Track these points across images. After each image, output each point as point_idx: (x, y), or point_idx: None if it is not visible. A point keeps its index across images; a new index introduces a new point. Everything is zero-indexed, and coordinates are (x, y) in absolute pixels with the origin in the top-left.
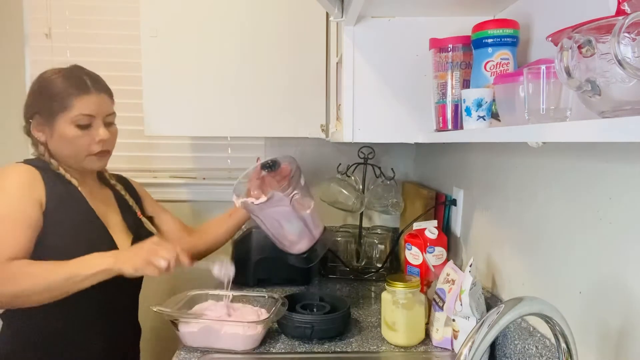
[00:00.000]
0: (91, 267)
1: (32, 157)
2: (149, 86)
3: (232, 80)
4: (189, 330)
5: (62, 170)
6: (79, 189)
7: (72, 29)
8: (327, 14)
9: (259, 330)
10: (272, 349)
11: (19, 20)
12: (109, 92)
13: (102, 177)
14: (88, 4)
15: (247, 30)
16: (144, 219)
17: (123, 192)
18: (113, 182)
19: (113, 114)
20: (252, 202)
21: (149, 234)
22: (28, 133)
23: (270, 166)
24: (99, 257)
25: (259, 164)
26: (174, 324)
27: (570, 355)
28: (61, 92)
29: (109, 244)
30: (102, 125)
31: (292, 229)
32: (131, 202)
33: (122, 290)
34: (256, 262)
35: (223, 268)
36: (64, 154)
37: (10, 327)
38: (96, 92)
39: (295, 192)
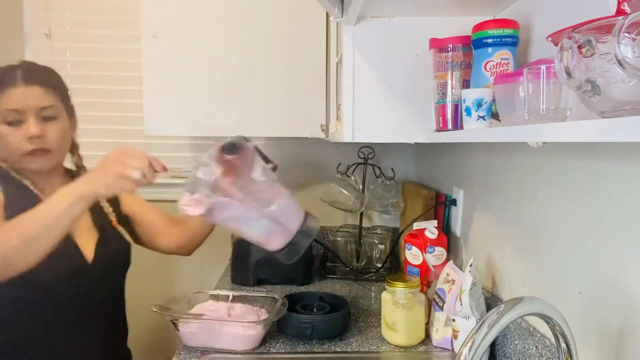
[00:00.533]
0: (64, 200)
1: None
2: (149, 86)
3: (232, 80)
4: (189, 330)
5: (12, 172)
6: (34, 190)
7: (72, 29)
8: (327, 14)
9: (259, 330)
10: (272, 349)
11: (19, 20)
12: (46, 84)
13: (75, 176)
14: (88, 4)
15: (247, 30)
16: (119, 228)
17: None
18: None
19: (51, 107)
20: (187, 213)
21: (119, 237)
22: None
23: (231, 149)
24: (69, 187)
25: (218, 146)
26: (174, 324)
27: (570, 355)
28: None
29: (69, 246)
30: (35, 121)
31: (256, 231)
32: (106, 205)
33: (101, 290)
34: (256, 262)
35: (207, 171)
36: (0, 155)
37: None
38: (25, 84)
39: (250, 189)
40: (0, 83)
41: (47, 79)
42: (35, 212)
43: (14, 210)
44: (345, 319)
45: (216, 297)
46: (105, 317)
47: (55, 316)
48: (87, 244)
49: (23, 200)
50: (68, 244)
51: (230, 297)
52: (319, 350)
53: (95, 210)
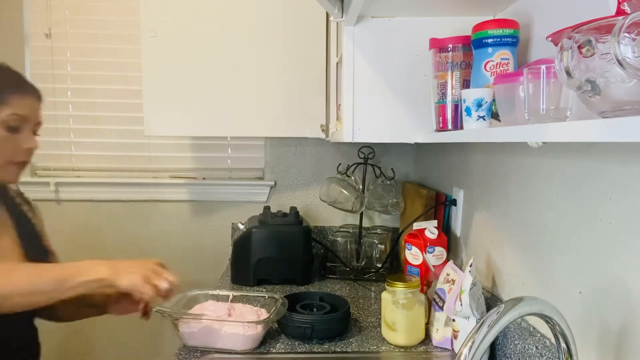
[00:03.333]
0: (85, 274)
1: None
2: (149, 86)
3: (232, 80)
4: (189, 331)
5: None
6: None
7: (72, 29)
8: (327, 14)
9: (258, 330)
10: (272, 349)
11: (19, 20)
12: (42, 100)
13: (2, 194)
14: (88, 4)
15: (247, 30)
16: (52, 251)
17: (30, 214)
18: (18, 201)
19: (41, 123)
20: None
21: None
22: None
23: None
24: (93, 264)
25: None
26: (175, 324)
27: (570, 355)
28: (1, 83)
29: None
30: (32, 135)
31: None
32: (40, 227)
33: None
34: (256, 262)
35: None
36: None
37: None
38: (35, 96)
39: None
40: (8, 86)
41: (42, 95)
42: (52, 269)
43: None
44: (345, 319)
45: (216, 297)
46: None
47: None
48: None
49: None
50: None
51: (230, 297)
52: (319, 350)
53: (28, 235)
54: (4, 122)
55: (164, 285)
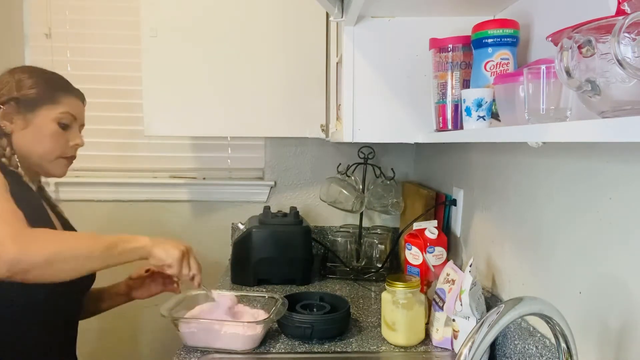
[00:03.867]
0: (129, 242)
1: None
2: (149, 86)
3: (232, 80)
4: (189, 331)
5: (20, 171)
6: (29, 185)
7: (72, 29)
8: (327, 14)
9: (258, 331)
10: (272, 349)
11: (19, 20)
12: (85, 103)
13: (40, 190)
14: (88, 4)
15: (247, 30)
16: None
17: (58, 208)
18: (47, 196)
19: (84, 125)
20: None
21: None
22: None
23: None
24: (133, 236)
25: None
26: (175, 323)
27: (570, 355)
28: (55, 84)
29: None
30: (79, 132)
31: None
32: (62, 212)
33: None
34: (256, 262)
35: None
36: (32, 150)
37: None
38: (80, 98)
39: None
40: (61, 87)
41: (85, 100)
42: (101, 237)
43: (21, 205)
44: (345, 319)
45: (212, 297)
46: (74, 327)
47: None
48: None
49: (30, 198)
50: None
51: (231, 296)
52: (319, 350)
53: (63, 220)
54: (57, 119)
55: (185, 270)
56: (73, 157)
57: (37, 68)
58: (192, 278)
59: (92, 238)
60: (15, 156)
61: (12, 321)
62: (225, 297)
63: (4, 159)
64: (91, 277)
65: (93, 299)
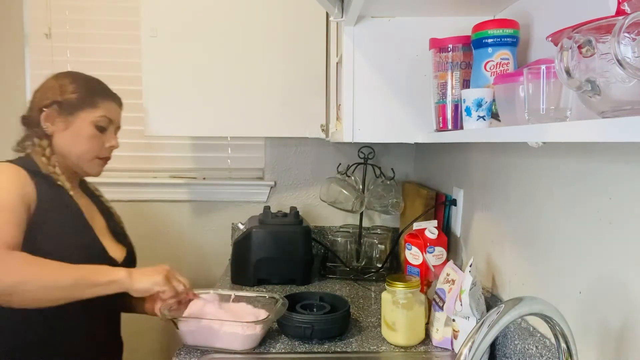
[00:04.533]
0: (102, 275)
1: (17, 153)
2: (149, 86)
3: (232, 80)
4: (188, 329)
5: (57, 170)
6: (70, 193)
7: (72, 29)
8: (327, 14)
9: (258, 330)
10: (272, 349)
11: (19, 20)
12: (122, 107)
13: (82, 185)
14: (88, 4)
15: (247, 30)
16: (130, 240)
17: (104, 200)
18: (97, 193)
19: (120, 128)
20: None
21: (130, 244)
22: (30, 123)
23: None
24: (110, 268)
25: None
26: (174, 322)
27: (570, 355)
28: (95, 90)
29: (101, 253)
30: (115, 134)
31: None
32: (113, 210)
33: (105, 303)
34: (256, 262)
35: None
36: (71, 151)
37: None
38: (117, 102)
39: None
40: (100, 92)
41: (122, 104)
42: (74, 268)
43: (50, 208)
44: (345, 319)
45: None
46: (116, 313)
47: (70, 320)
48: (115, 251)
49: (60, 198)
50: (99, 247)
51: (232, 296)
52: (319, 350)
53: (110, 217)
54: (95, 122)
55: (179, 287)
56: (108, 158)
57: (80, 74)
58: (187, 292)
59: (63, 269)
60: (54, 156)
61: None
62: (210, 295)
63: (43, 158)
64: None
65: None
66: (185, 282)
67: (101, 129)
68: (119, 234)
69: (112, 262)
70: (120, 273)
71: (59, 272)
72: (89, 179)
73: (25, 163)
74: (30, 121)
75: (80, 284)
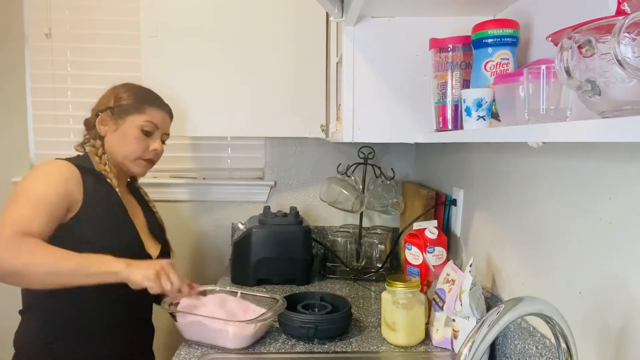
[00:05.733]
0: (102, 265)
1: (77, 152)
2: (149, 86)
3: (232, 80)
4: (184, 324)
5: (107, 168)
6: (117, 190)
7: (72, 29)
8: (327, 14)
9: (256, 329)
10: (271, 348)
11: (19, 20)
12: (172, 117)
13: (129, 185)
14: (88, 4)
15: (247, 30)
16: (170, 244)
17: (148, 200)
18: (142, 190)
19: (168, 134)
20: None
21: (169, 247)
22: (89, 125)
23: None
24: (111, 259)
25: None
26: (173, 316)
27: (570, 355)
28: (139, 97)
29: (140, 248)
30: (159, 139)
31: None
32: (156, 210)
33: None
34: (256, 262)
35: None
36: (118, 150)
37: (36, 322)
38: (166, 111)
39: None
40: (148, 101)
41: (172, 114)
42: (75, 256)
43: (97, 203)
44: (347, 319)
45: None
46: (147, 313)
47: (108, 306)
48: (153, 249)
49: (107, 195)
50: (139, 245)
51: (239, 294)
52: (319, 350)
53: (152, 218)
54: (141, 126)
55: (167, 286)
56: (152, 161)
57: (134, 85)
58: (179, 291)
59: (67, 257)
60: (105, 155)
61: (96, 299)
62: (216, 292)
63: (97, 157)
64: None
65: None
66: (176, 282)
67: (147, 133)
68: (157, 231)
69: (147, 257)
70: (119, 265)
71: (62, 259)
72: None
73: (82, 161)
74: (89, 124)
75: (80, 272)
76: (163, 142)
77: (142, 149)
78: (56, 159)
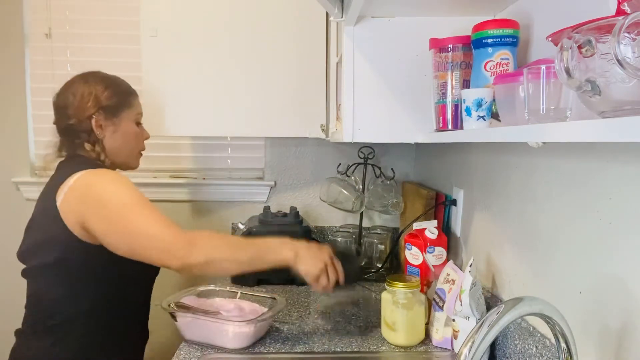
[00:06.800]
0: (275, 254)
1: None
2: (149, 86)
3: (232, 81)
4: (183, 323)
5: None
6: None
7: (72, 29)
8: (327, 14)
9: (256, 328)
10: (272, 348)
11: (19, 20)
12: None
13: None
14: (88, 4)
15: (247, 30)
16: None
17: None
18: None
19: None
20: None
21: None
22: (75, 131)
23: None
24: (283, 247)
25: None
26: (173, 316)
27: (570, 355)
28: (126, 90)
29: None
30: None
31: None
32: None
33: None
34: None
35: None
36: (122, 150)
37: (69, 335)
38: (137, 94)
39: None
40: (128, 91)
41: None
42: (251, 246)
43: None
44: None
45: (216, 294)
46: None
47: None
48: None
49: None
50: None
51: (238, 294)
52: (319, 350)
53: None
54: (135, 120)
55: (332, 277)
56: (144, 149)
57: (106, 77)
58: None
59: (240, 245)
60: (107, 158)
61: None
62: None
63: (99, 162)
64: (156, 270)
65: None
66: (333, 279)
67: (138, 125)
68: None
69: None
70: (288, 254)
71: (239, 249)
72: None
73: (95, 164)
74: (75, 129)
75: (256, 261)
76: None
77: (141, 142)
78: (89, 170)
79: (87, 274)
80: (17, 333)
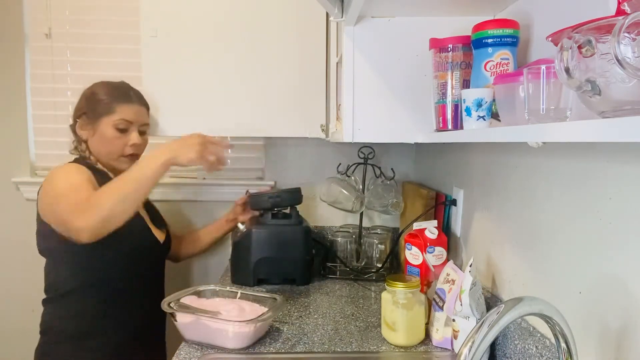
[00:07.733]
0: (154, 164)
1: (72, 154)
2: (149, 86)
3: (232, 81)
4: (185, 323)
5: (101, 167)
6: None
7: (72, 29)
8: (327, 14)
9: (256, 328)
10: (272, 348)
11: (19, 20)
12: (147, 106)
13: None
14: (88, 4)
15: (247, 30)
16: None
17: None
18: None
19: (147, 124)
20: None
21: (168, 230)
22: (73, 131)
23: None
24: (156, 154)
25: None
26: (173, 316)
27: (570, 355)
28: (108, 98)
29: (149, 235)
30: (137, 132)
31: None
32: (152, 203)
33: (161, 263)
34: (256, 262)
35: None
36: (101, 152)
37: (68, 307)
38: (137, 103)
39: None
40: (118, 96)
41: (147, 103)
42: (128, 175)
43: None
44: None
45: (216, 294)
46: (159, 285)
47: (135, 275)
48: (160, 236)
49: None
50: (148, 233)
51: (239, 294)
52: (319, 350)
53: (150, 208)
54: (115, 125)
55: (211, 159)
56: (134, 155)
57: (106, 84)
58: (220, 162)
59: (123, 182)
60: (92, 157)
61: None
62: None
63: (89, 161)
64: (167, 246)
65: (191, 242)
66: (219, 153)
67: (121, 130)
68: (159, 220)
69: (156, 243)
70: (164, 156)
71: (121, 185)
72: None
73: (85, 162)
74: (72, 130)
75: (143, 183)
76: (144, 133)
77: (121, 147)
78: (65, 164)
79: (73, 259)
80: (42, 301)
